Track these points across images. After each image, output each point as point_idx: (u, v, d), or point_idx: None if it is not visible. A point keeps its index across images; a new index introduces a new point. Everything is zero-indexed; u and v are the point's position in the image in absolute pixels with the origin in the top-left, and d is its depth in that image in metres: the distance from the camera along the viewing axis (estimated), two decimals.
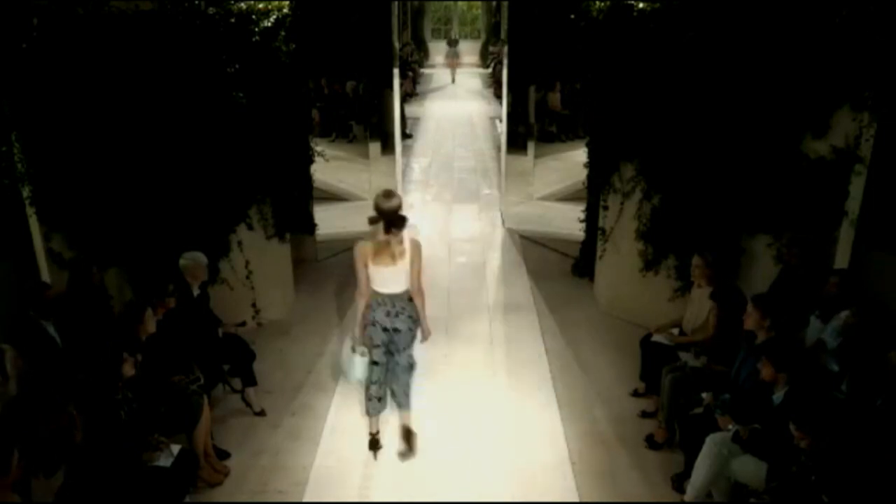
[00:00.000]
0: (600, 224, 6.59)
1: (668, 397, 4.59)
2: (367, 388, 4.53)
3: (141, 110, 5.20)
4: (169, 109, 5.25)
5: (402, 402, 4.61)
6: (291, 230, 6.60)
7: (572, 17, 6.52)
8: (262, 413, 5.08)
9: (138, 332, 4.18)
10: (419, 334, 4.47)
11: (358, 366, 4.41)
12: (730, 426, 3.91)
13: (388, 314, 4.31)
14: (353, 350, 4.43)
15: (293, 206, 6.60)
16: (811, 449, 3.28)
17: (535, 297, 6.96)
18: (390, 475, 4.53)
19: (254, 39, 5.44)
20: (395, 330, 4.34)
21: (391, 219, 4.10)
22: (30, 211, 5.28)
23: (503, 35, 13.54)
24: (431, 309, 4.65)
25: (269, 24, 5.51)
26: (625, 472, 4.53)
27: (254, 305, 6.09)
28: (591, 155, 6.79)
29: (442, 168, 11.78)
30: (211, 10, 5.24)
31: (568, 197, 9.40)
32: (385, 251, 4.16)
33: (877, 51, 4.56)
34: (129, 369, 3.81)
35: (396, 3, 9.21)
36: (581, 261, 7.36)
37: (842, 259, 5.05)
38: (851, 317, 4.24)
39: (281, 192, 6.18)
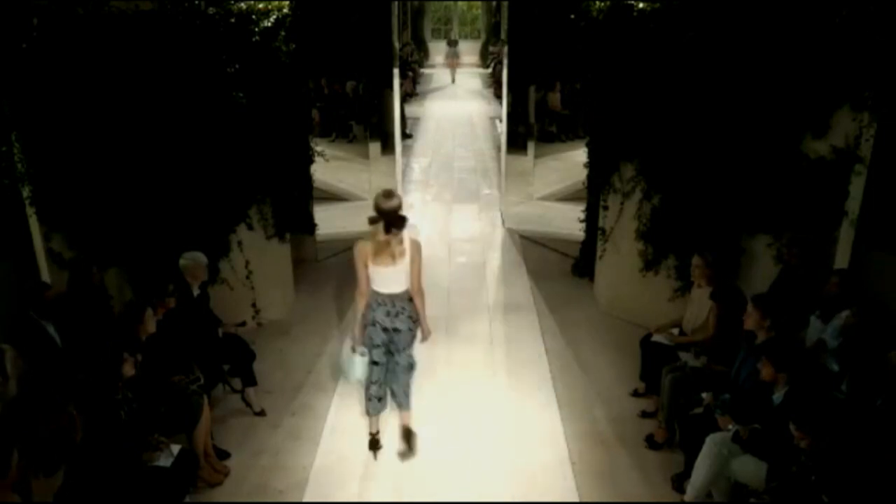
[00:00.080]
0: (600, 224, 6.59)
1: (668, 397, 4.59)
2: (367, 388, 4.53)
3: (141, 110, 5.21)
4: (169, 109, 5.25)
5: (402, 402, 4.61)
6: (291, 230, 6.60)
7: (572, 17, 6.52)
8: (262, 413, 5.08)
9: (138, 332, 4.18)
10: (419, 334, 4.47)
11: (358, 366, 4.41)
12: (730, 426, 3.91)
13: (388, 314, 4.31)
14: (353, 350, 4.42)
15: (293, 206, 6.61)
16: (811, 449, 3.28)
17: (535, 297, 6.96)
18: (390, 475, 4.53)
19: (254, 39, 5.44)
20: (395, 330, 4.34)
21: (391, 219, 4.10)
22: (30, 211, 5.28)
23: (503, 35, 13.51)
24: (431, 309, 4.64)
25: (269, 24, 5.52)
26: (625, 472, 4.53)
27: (254, 305, 6.09)
28: (591, 155, 6.80)
29: (442, 168, 11.78)
30: (211, 10, 5.25)
31: (568, 197, 9.40)
32: (385, 251, 4.16)
33: (877, 51, 4.56)
34: (129, 369, 3.81)
35: (396, 3, 9.21)
36: (581, 261, 7.37)
37: (842, 259, 5.05)
38: (851, 317, 4.24)
39: (281, 192, 6.18)
